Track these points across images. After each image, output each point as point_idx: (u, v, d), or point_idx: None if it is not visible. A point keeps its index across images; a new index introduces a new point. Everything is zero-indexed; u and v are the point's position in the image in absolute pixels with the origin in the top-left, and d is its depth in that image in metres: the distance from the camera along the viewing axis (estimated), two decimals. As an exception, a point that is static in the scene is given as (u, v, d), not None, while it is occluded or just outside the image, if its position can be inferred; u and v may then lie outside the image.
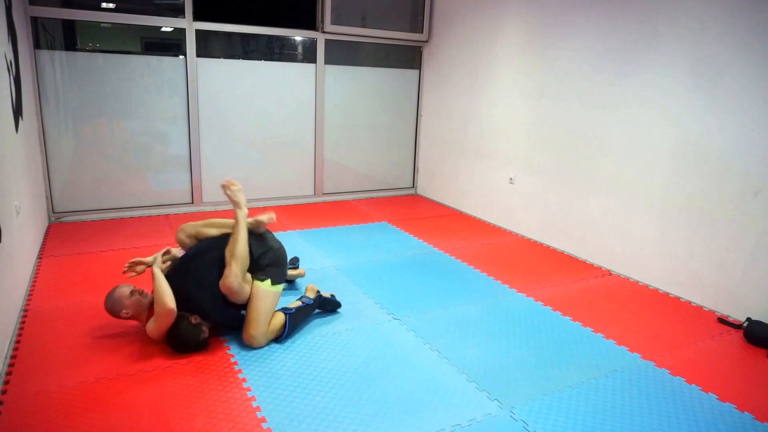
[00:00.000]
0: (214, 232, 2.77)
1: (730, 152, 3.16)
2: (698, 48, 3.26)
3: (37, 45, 4.26)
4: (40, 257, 3.72)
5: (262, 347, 2.60)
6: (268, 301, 2.61)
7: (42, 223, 4.25)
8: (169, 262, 2.73)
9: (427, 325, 2.93)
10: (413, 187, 6.38)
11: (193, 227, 2.79)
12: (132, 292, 2.54)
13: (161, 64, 4.78)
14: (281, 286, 2.71)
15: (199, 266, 2.60)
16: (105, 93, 4.59)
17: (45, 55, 4.32)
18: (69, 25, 4.45)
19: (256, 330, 2.57)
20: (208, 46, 4.95)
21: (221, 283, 2.50)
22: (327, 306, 2.99)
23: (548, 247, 4.44)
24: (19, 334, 2.65)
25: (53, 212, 4.60)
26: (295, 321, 2.72)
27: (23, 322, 2.78)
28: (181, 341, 2.47)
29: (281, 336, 2.66)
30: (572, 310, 3.19)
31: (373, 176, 6.09)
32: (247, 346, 2.61)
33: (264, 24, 5.06)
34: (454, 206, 5.68)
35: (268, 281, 2.63)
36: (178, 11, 4.69)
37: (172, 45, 4.82)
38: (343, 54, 5.56)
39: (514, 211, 4.85)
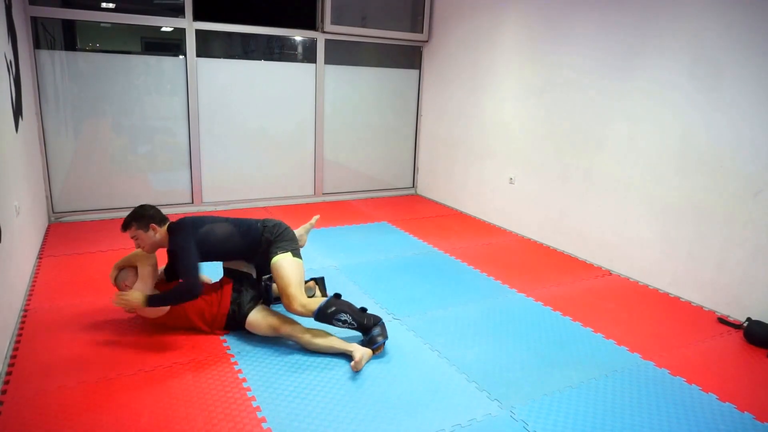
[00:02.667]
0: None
1: (731, 152, 3.16)
2: (698, 48, 3.26)
3: (37, 45, 4.26)
4: (40, 257, 3.72)
5: (299, 314, 2.58)
6: (291, 267, 2.62)
7: (42, 223, 4.25)
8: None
9: (427, 325, 2.93)
10: (413, 187, 6.38)
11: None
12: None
13: (161, 64, 4.78)
14: (300, 261, 2.71)
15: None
16: (105, 93, 4.59)
17: (45, 55, 4.32)
18: (69, 25, 4.45)
19: (293, 290, 2.56)
20: (208, 46, 4.95)
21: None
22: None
23: (548, 247, 4.44)
24: (19, 334, 2.65)
25: (53, 212, 4.60)
26: (330, 315, 2.57)
27: (23, 322, 2.78)
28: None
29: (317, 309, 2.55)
30: (572, 310, 3.19)
31: (373, 176, 6.09)
32: (248, 346, 2.61)
33: (264, 24, 5.06)
34: (454, 206, 5.68)
35: (289, 254, 2.66)
36: (178, 11, 4.68)
37: (172, 45, 4.82)
38: (343, 54, 5.56)
39: (514, 211, 4.85)
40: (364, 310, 2.64)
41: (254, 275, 2.83)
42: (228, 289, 2.70)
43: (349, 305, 2.62)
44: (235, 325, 2.70)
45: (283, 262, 2.62)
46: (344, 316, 2.55)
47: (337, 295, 2.66)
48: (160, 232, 2.66)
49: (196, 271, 2.52)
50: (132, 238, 2.63)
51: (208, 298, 2.69)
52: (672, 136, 3.47)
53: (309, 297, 2.92)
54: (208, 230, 2.67)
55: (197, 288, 2.50)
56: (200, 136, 5.03)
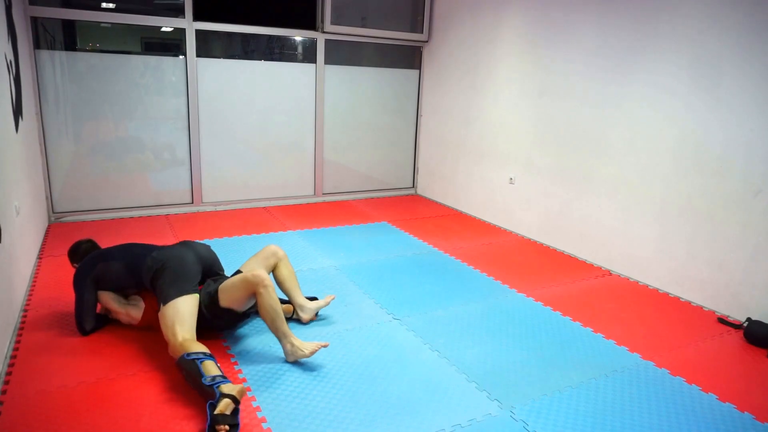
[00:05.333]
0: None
1: (730, 152, 3.16)
2: (698, 47, 3.26)
3: (37, 45, 4.26)
4: (40, 257, 3.72)
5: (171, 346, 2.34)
6: (163, 318, 2.42)
7: (42, 223, 4.25)
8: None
9: (427, 325, 2.93)
10: (413, 187, 6.38)
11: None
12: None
13: (161, 64, 4.78)
14: (181, 298, 2.44)
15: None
16: (105, 93, 4.59)
17: (45, 55, 4.32)
18: (69, 25, 4.45)
19: (169, 337, 2.36)
20: (208, 46, 4.95)
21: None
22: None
23: (548, 247, 4.44)
24: (19, 334, 2.65)
25: (53, 212, 4.60)
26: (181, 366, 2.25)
27: (23, 322, 2.78)
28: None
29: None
30: (572, 310, 3.19)
31: (373, 176, 6.09)
32: (248, 346, 2.62)
33: (264, 24, 5.06)
34: (454, 206, 5.68)
35: (170, 303, 2.44)
36: (178, 11, 4.69)
37: (172, 45, 4.82)
38: (343, 54, 5.56)
39: (514, 211, 4.85)
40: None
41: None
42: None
43: (191, 371, 2.17)
44: (217, 321, 2.60)
45: (163, 311, 2.44)
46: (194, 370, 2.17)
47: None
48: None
49: (80, 317, 2.63)
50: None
51: None
52: (671, 136, 3.47)
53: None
54: (102, 270, 2.65)
55: (82, 329, 2.65)
56: (200, 136, 5.03)
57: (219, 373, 2.14)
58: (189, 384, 2.23)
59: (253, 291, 2.47)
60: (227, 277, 2.68)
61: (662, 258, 3.58)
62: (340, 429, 2.04)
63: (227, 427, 1.94)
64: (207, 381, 2.07)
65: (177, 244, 2.77)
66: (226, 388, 2.04)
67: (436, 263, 3.91)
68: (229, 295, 2.53)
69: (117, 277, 2.67)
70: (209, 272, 2.75)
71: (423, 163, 6.21)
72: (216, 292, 2.55)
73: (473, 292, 3.41)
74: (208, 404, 2.00)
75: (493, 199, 5.10)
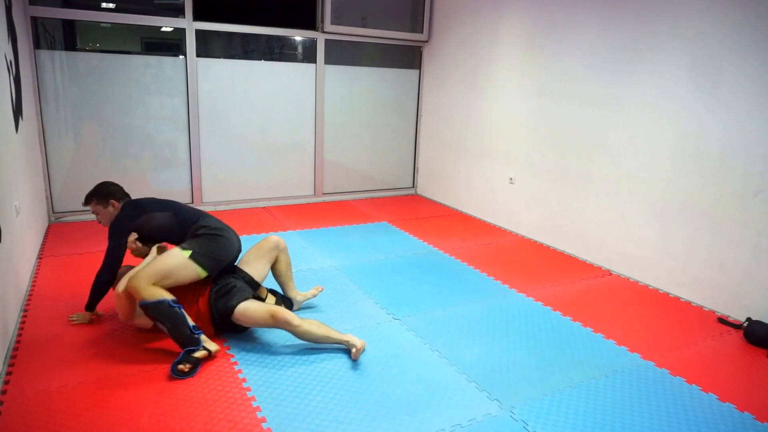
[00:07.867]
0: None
1: (730, 152, 3.16)
2: (698, 47, 3.26)
3: (37, 45, 4.26)
4: (40, 257, 3.72)
5: (139, 294, 2.38)
6: (169, 258, 2.45)
7: (42, 223, 4.25)
8: None
9: (427, 325, 2.93)
10: (413, 187, 6.38)
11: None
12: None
13: (161, 64, 4.78)
14: (199, 269, 2.50)
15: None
16: (105, 93, 4.59)
17: (45, 55, 4.32)
18: (69, 25, 4.45)
19: (136, 272, 2.43)
20: (208, 46, 4.95)
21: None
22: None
23: (548, 247, 4.44)
24: (19, 334, 2.65)
25: (53, 212, 4.60)
26: (153, 312, 2.39)
27: (23, 322, 2.78)
28: None
29: (144, 303, 2.40)
30: (572, 310, 3.19)
31: (373, 176, 6.09)
32: (248, 346, 2.62)
33: (264, 24, 5.06)
34: (454, 206, 5.68)
35: (189, 252, 2.48)
36: (178, 11, 4.69)
37: (172, 45, 4.82)
38: (343, 54, 5.56)
39: (514, 211, 4.85)
40: (194, 330, 2.43)
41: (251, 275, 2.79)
42: (206, 291, 2.64)
43: (176, 319, 2.39)
44: (225, 326, 2.63)
45: (169, 251, 2.51)
46: (162, 326, 2.41)
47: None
48: (117, 208, 2.71)
49: (111, 258, 2.60)
50: (93, 212, 2.73)
51: (188, 298, 2.63)
52: (672, 135, 3.47)
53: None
54: (148, 218, 2.65)
55: (104, 270, 2.63)
56: (200, 136, 5.03)
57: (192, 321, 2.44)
58: (163, 328, 2.40)
59: (274, 326, 2.54)
60: (242, 281, 2.68)
61: (662, 258, 3.58)
62: (340, 429, 2.04)
63: (191, 365, 2.34)
64: (194, 330, 2.41)
65: (222, 223, 2.74)
66: (207, 343, 2.43)
67: (436, 263, 3.91)
68: (247, 319, 2.55)
69: (159, 229, 2.64)
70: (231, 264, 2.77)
71: (423, 162, 6.21)
72: (232, 309, 2.54)
73: (473, 292, 3.41)
74: (185, 349, 2.35)
75: (493, 199, 5.10)
